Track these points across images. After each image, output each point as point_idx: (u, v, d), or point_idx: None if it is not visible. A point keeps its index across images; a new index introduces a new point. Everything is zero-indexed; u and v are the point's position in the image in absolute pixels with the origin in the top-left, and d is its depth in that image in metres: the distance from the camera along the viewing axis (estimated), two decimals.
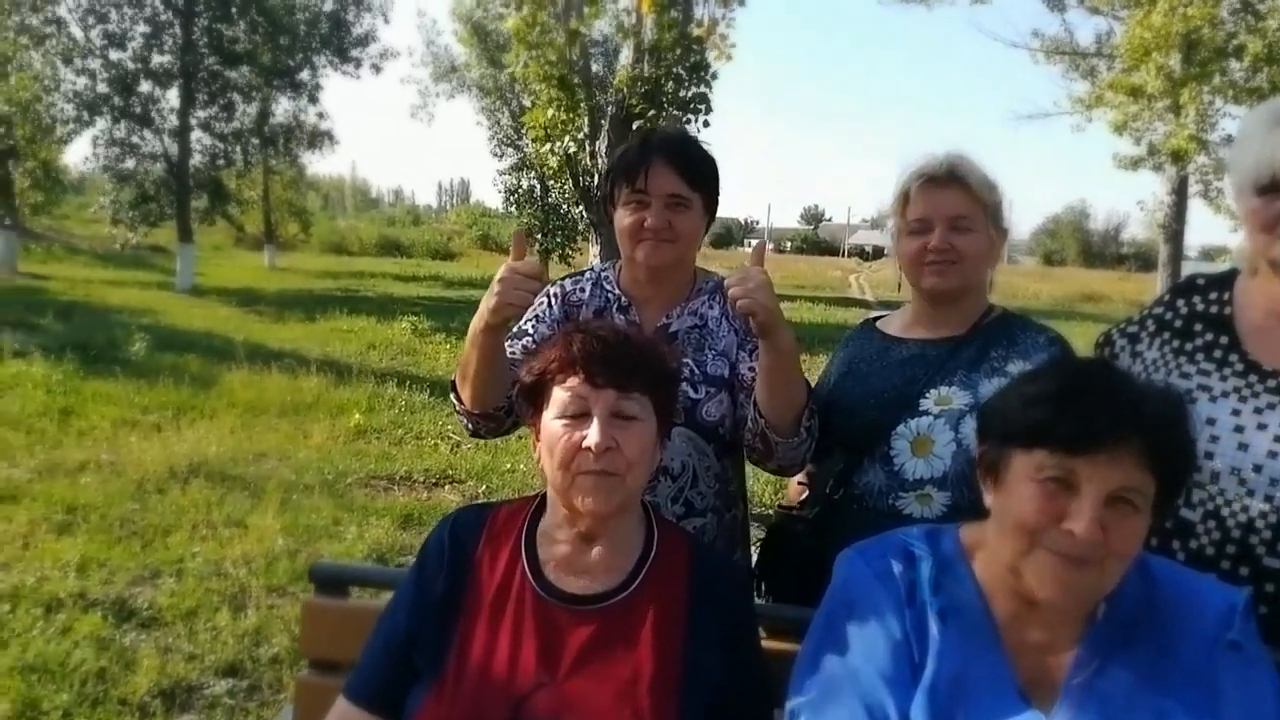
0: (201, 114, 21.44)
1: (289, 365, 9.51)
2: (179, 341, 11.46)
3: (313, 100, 24.53)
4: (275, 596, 4.21)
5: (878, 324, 2.12)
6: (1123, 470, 1.16)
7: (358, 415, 7.90)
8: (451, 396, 1.96)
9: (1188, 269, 16.67)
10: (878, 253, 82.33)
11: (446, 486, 6.28)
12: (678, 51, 9.80)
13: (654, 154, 1.91)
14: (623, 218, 1.96)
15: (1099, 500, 1.15)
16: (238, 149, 22.68)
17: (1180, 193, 15.88)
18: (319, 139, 25.74)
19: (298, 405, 8.24)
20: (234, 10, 20.92)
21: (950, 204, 1.89)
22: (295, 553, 4.73)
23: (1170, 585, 1.28)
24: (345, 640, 1.52)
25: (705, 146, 2.00)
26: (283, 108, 24.34)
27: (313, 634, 1.78)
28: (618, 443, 1.39)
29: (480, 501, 2.00)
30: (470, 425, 1.96)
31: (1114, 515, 1.16)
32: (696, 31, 10.04)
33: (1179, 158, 14.68)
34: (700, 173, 1.94)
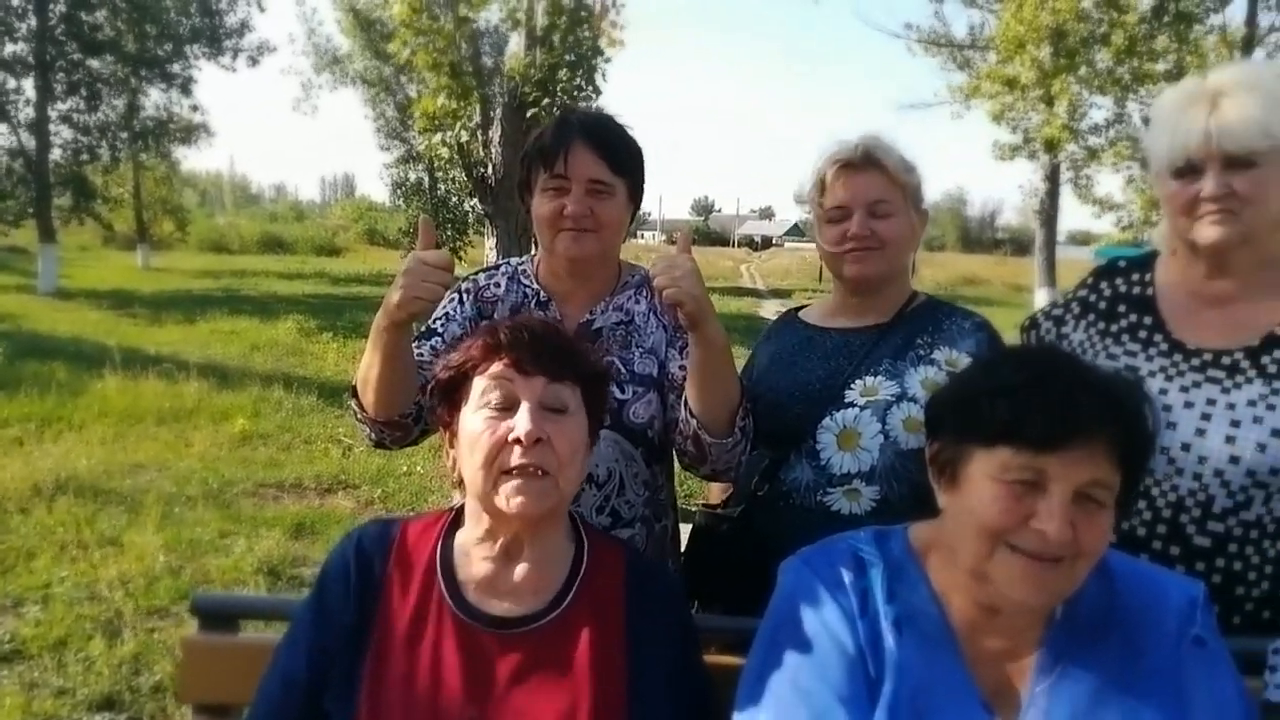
0: (61, 106, 20.15)
1: (167, 370, 8.98)
2: (43, 348, 10.72)
3: (185, 92, 23.39)
4: (156, 619, 3.93)
5: (800, 314, 2.04)
6: (1092, 465, 1.09)
7: (242, 420, 7.52)
8: (352, 404, 1.77)
9: (1060, 253, 17.46)
10: (766, 243, 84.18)
11: (340, 493, 6.02)
12: (570, 39, 9.64)
13: (574, 136, 1.76)
14: (540, 205, 1.80)
15: (1068, 498, 1.09)
16: (103, 143, 21.41)
17: (1053, 180, 16.58)
18: (193, 133, 24.58)
19: (177, 412, 7.78)
20: None
21: (868, 188, 1.82)
22: (178, 570, 4.44)
23: (1129, 581, 1.23)
24: (235, 681, 1.35)
25: (629, 130, 1.85)
26: (153, 100, 23.15)
27: (196, 675, 1.57)
28: (549, 436, 1.26)
29: (385, 516, 1.83)
30: (374, 435, 1.78)
31: (1082, 512, 1.09)
32: (587, 18, 9.90)
33: (1052, 146, 15.31)
34: (624, 157, 1.80)
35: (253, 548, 4.77)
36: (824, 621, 1.20)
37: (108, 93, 21.28)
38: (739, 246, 78.89)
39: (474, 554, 1.33)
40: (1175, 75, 14.61)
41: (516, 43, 10.28)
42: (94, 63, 20.49)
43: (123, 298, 17.13)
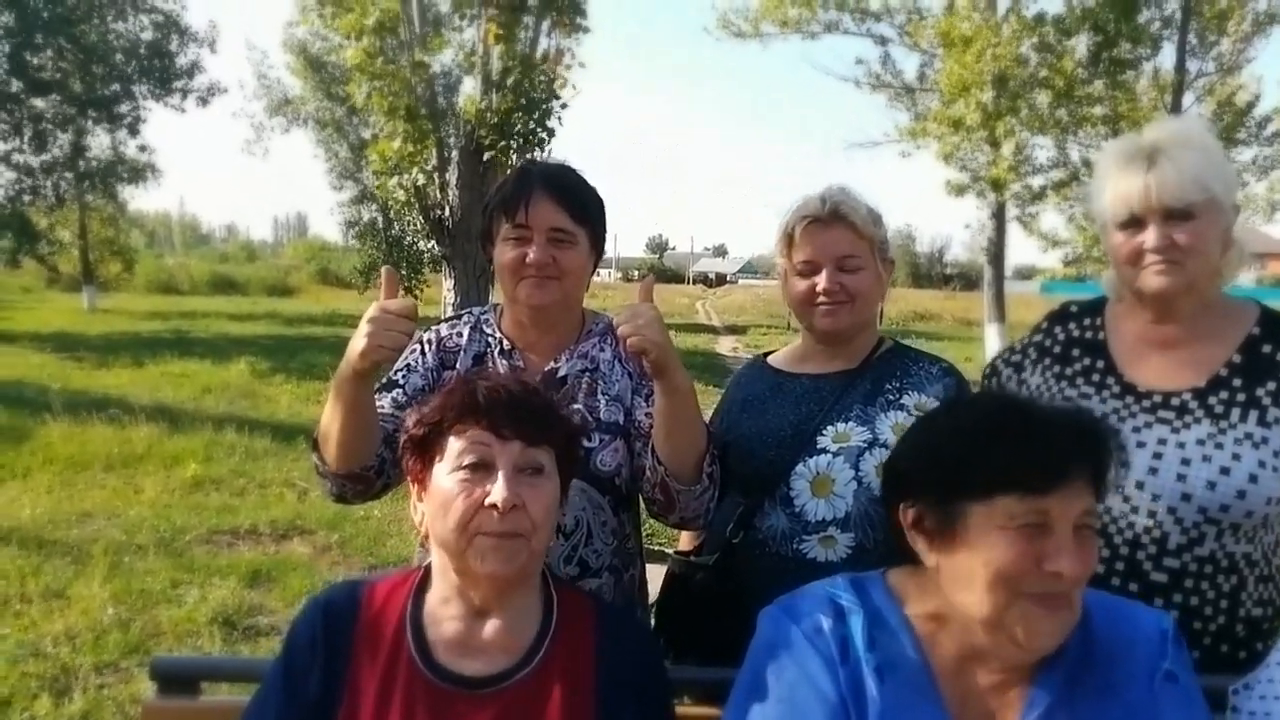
0: (2, 145, 19.79)
1: (115, 415, 8.77)
2: None
3: (133, 133, 23.12)
4: (106, 674, 3.81)
5: (769, 360, 2.06)
6: (1083, 498, 1.13)
7: (194, 465, 7.36)
8: (313, 458, 1.76)
9: (1008, 288, 17.83)
10: (721, 280, 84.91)
11: (296, 538, 5.90)
12: (525, 84, 9.72)
13: (534, 185, 1.78)
14: (503, 253, 1.81)
15: (1070, 534, 1.12)
16: (48, 184, 21.03)
17: (1000, 217, 16.98)
18: (141, 173, 24.23)
19: (126, 458, 7.59)
20: (39, 36, 19.38)
21: (837, 244, 1.85)
22: (128, 623, 4.31)
23: (1103, 615, 1.25)
24: None
25: (590, 180, 1.87)
26: (100, 141, 22.83)
27: None
28: (524, 500, 1.26)
29: (353, 577, 1.80)
30: (334, 489, 1.76)
31: (1080, 542, 1.13)
32: (542, 64, 10.00)
33: (998, 186, 15.69)
34: (585, 206, 1.82)
35: (206, 597, 4.64)
36: (804, 670, 1.20)
37: (55, 132, 20.96)
38: (694, 284, 79.49)
39: (443, 614, 1.32)
40: (1112, 119, 15.12)
41: (471, 85, 10.35)
42: (39, 103, 20.19)
43: (68, 340, 16.75)
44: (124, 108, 22.47)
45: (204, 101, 23.84)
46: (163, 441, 8.14)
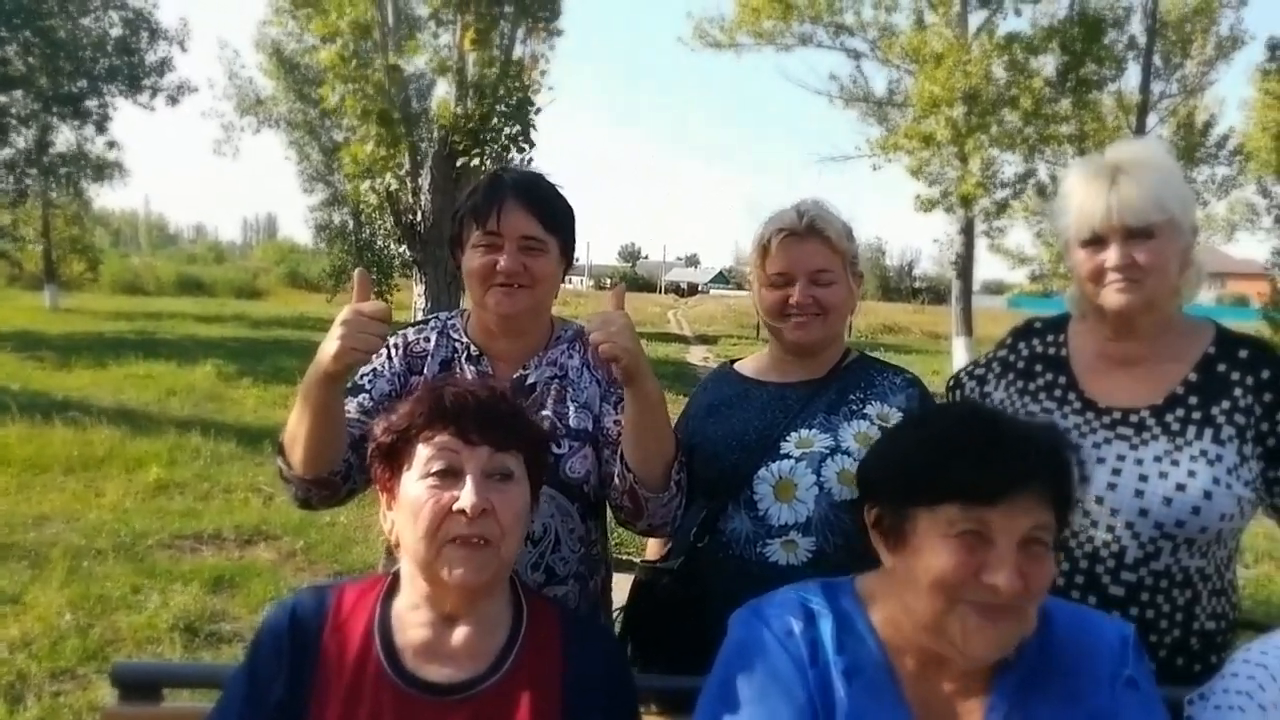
0: None
1: (76, 416, 8.64)
2: None
3: (100, 129, 22.77)
4: (63, 681, 3.74)
5: (735, 366, 2.09)
6: (1031, 513, 1.15)
7: (157, 469, 7.26)
8: (278, 462, 1.74)
9: (976, 302, 18.07)
10: (693, 289, 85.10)
11: (260, 544, 5.83)
12: (500, 90, 9.71)
13: (506, 193, 1.78)
14: (472, 260, 1.81)
15: (1014, 548, 1.14)
16: (10, 179, 20.67)
17: (969, 232, 17.21)
18: (107, 170, 23.87)
19: (87, 460, 7.48)
20: (4, 29, 19.07)
21: (811, 258, 1.87)
22: (86, 629, 4.24)
23: (1064, 622, 1.27)
24: None
25: (560, 189, 1.88)
26: (65, 137, 22.47)
27: None
28: (493, 506, 1.26)
29: (321, 582, 1.79)
30: (300, 494, 1.74)
31: (1028, 558, 1.14)
32: (515, 70, 10.00)
33: (967, 202, 15.91)
34: (556, 215, 1.83)
35: (168, 603, 4.57)
36: (774, 671, 1.22)
37: (19, 126, 20.62)
38: (666, 293, 79.57)
39: (411, 619, 1.32)
40: (1078, 138, 15.37)
41: (444, 89, 10.34)
42: (2, 97, 19.86)
43: (29, 340, 16.44)
44: (91, 104, 22.13)
45: (173, 100, 23.53)
46: (125, 444, 8.03)
